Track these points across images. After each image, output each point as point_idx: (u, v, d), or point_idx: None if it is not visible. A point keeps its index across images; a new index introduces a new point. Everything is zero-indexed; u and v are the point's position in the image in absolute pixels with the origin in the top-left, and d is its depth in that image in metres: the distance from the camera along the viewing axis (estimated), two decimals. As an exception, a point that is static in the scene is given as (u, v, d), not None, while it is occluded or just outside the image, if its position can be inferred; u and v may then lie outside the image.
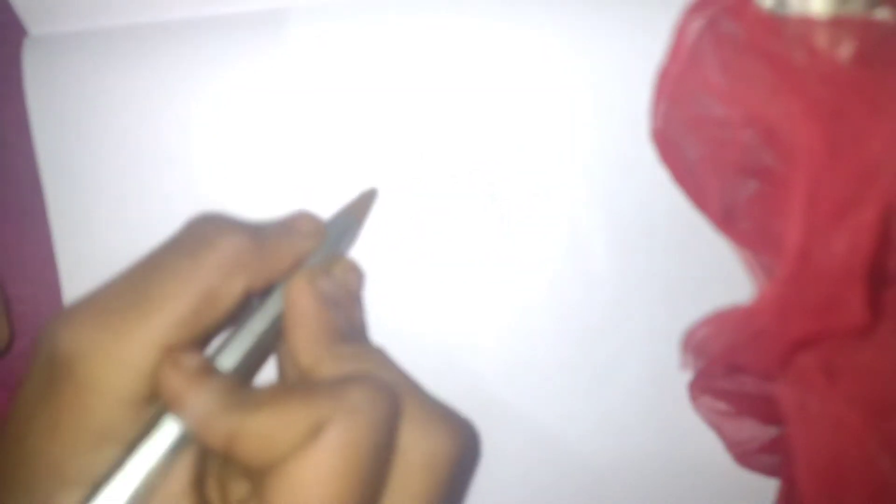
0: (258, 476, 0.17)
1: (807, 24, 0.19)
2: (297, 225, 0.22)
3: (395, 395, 0.19)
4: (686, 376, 0.25)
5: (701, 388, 0.25)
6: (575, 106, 0.26)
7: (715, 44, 0.22)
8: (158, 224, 0.27)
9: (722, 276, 0.25)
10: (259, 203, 0.27)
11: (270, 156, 0.27)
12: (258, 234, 0.20)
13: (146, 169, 0.27)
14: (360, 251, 0.26)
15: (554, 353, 0.26)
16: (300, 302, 0.20)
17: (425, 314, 0.26)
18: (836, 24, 0.19)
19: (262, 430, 0.17)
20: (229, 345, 0.20)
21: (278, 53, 0.26)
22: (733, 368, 0.23)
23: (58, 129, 0.26)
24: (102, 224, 0.27)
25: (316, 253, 0.22)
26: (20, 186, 0.27)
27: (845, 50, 0.19)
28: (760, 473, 0.25)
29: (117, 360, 0.17)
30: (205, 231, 0.20)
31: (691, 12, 0.22)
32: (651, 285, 0.26)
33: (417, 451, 0.18)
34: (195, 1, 0.26)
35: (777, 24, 0.20)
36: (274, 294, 0.21)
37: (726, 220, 0.23)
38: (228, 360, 0.19)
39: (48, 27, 0.27)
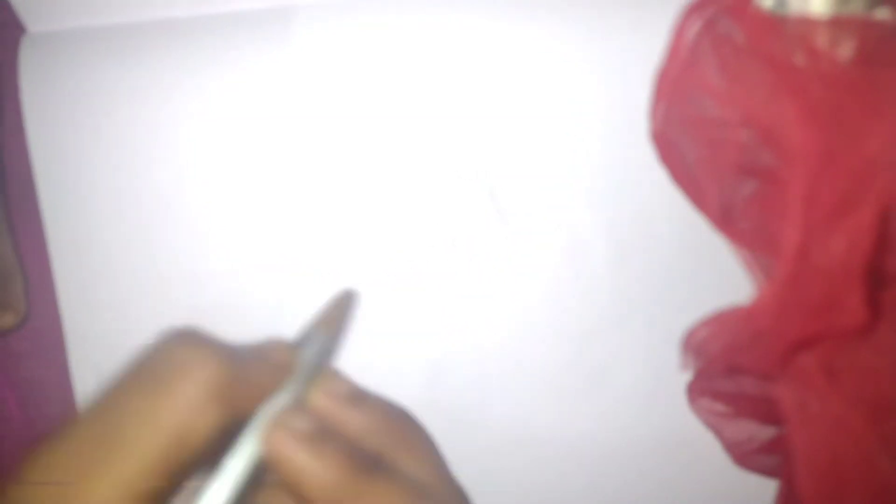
0: None
1: (807, 24, 0.19)
2: (271, 355, 0.20)
3: None
4: (684, 377, 0.25)
5: (700, 389, 0.25)
6: (575, 107, 0.26)
7: (713, 44, 0.22)
8: (152, 221, 0.27)
9: (721, 277, 0.25)
10: (255, 201, 0.27)
11: (267, 154, 0.26)
12: (234, 362, 0.18)
13: (141, 167, 0.26)
14: (363, 245, 0.26)
15: (552, 353, 0.26)
16: (288, 457, 0.18)
17: (425, 315, 0.26)
18: (837, 24, 0.19)
19: None
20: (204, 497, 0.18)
21: (277, 52, 0.26)
22: (733, 369, 0.23)
23: (52, 126, 0.26)
24: (96, 221, 0.27)
25: (287, 386, 0.19)
26: (15, 187, 0.27)
27: (845, 50, 0.19)
28: (759, 474, 0.25)
29: None
30: (177, 357, 0.18)
31: (690, 13, 0.22)
32: (650, 286, 0.26)
33: None
34: None
35: (777, 25, 0.20)
36: (247, 439, 0.19)
37: (725, 220, 0.23)
38: None
39: (47, 25, 0.26)
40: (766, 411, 0.23)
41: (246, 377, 0.18)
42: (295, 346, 0.20)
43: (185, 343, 0.18)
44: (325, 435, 0.19)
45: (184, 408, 0.17)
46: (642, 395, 0.26)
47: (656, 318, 0.26)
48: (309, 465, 0.18)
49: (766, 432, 0.24)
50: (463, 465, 0.26)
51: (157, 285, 0.27)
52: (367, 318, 0.26)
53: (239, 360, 0.19)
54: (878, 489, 0.20)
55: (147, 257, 0.27)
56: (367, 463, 0.19)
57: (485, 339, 0.26)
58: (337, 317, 0.22)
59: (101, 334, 0.27)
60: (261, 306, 0.27)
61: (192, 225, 0.27)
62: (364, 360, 0.26)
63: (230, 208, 0.27)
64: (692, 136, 0.23)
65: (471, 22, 0.26)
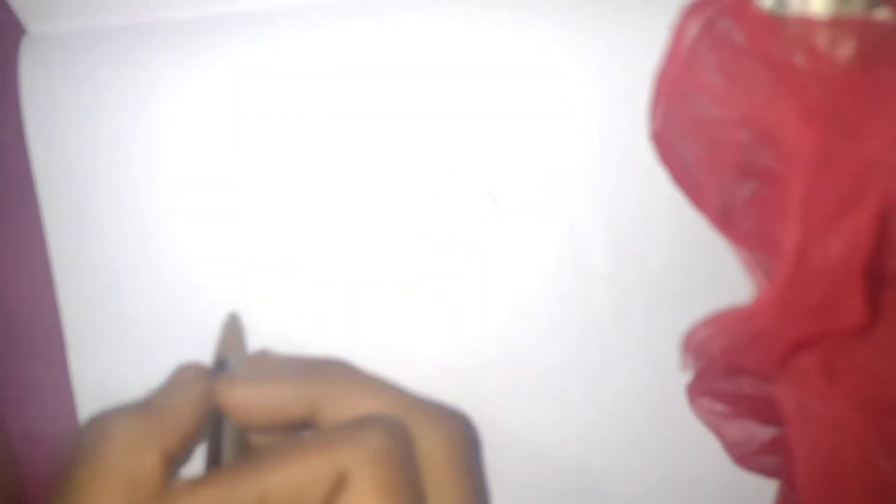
0: None
1: (806, 24, 0.19)
2: (181, 379, 0.23)
3: (400, 425, 0.19)
4: (684, 377, 0.25)
5: (699, 389, 0.25)
6: (574, 106, 0.26)
7: (712, 45, 0.22)
8: (153, 223, 0.27)
9: (721, 277, 0.25)
10: (257, 202, 0.27)
11: (269, 155, 0.26)
12: (146, 406, 0.21)
13: (142, 168, 0.26)
14: (360, 245, 0.26)
15: (550, 353, 0.26)
16: (239, 401, 0.20)
17: (423, 313, 0.26)
18: (836, 24, 0.19)
19: (289, 486, 0.18)
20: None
21: (277, 52, 0.26)
22: (733, 369, 0.23)
23: (52, 127, 0.26)
24: (96, 222, 0.27)
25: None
26: (14, 188, 0.27)
27: (845, 50, 0.19)
28: (760, 474, 0.25)
29: None
30: (95, 432, 0.20)
31: (689, 13, 0.22)
32: (650, 286, 0.26)
33: (438, 448, 0.19)
34: (194, 0, 0.26)
35: (776, 25, 0.20)
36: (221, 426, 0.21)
37: (725, 220, 0.23)
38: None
39: (47, 26, 0.26)
40: (767, 411, 0.23)
41: (160, 410, 0.21)
42: (200, 365, 0.23)
43: (95, 421, 0.20)
44: (264, 374, 0.21)
45: (121, 460, 0.19)
46: (641, 395, 0.26)
47: (655, 319, 0.26)
48: (259, 396, 0.20)
49: (766, 433, 0.24)
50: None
51: (157, 286, 0.27)
52: (363, 319, 0.26)
53: (150, 401, 0.21)
54: (877, 490, 0.20)
55: (147, 258, 0.27)
56: (310, 371, 0.21)
57: (481, 339, 0.26)
58: (231, 337, 0.24)
59: (101, 334, 0.27)
60: (260, 307, 0.27)
61: (194, 226, 0.27)
62: (362, 362, 0.26)
63: (232, 210, 0.27)
64: (692, 137, 0.23)
65: (468, 20, 0.26)
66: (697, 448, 0.26)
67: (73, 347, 0.27)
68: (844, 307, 0.19)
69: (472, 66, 0.26)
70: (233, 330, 0.25)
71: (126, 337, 0.27)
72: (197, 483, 0.19)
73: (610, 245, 0.26)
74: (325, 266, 0.27)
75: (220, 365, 0.23)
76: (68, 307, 0.27)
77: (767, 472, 0.25)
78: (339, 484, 0.18)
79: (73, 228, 0.27)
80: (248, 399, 0.20)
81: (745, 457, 0.25)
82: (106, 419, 0.20)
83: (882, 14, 0.19)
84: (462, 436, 0.20)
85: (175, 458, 0.20)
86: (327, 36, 0.26)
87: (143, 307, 0.27)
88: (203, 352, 0.26)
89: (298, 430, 0.21)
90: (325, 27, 0.26)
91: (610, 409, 0.26)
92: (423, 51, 0.26)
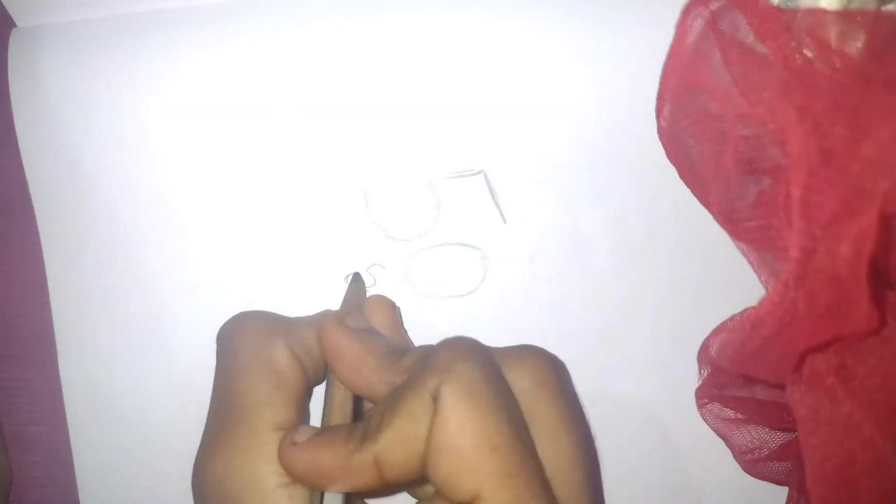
0: (421, 477, 0.19)
1: (816, 17, 0.19)
2: (318, 313, 0.24)
3: (480, 347, 0.20)
4: (692, 380, 0.25)
5: (708, 394, 0.25)
6: (579, 103, 0.25)
7: (718, 39, 0.21)
8: (144, 219, 0.26)
9: (729, 277, 0.25)
10: (251, 199, 0.26)
11: (263, 150, 0.26)
12: (278, 315, 0.23)
13: (133, 163, 0.26)
14: (360, 245, 0.26)
15: (556, 354, 0.26)
16: (335, 341, 0.21)
17: (425, 314, 0.26)
18: (847, 17, 0.19)
19: (397, 439, 0.18)
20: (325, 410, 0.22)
21: (269, 42, 0.26)
22: (746, 378, 0.23)
23: (42, 120, 0.26)
24: (87, 218, 0.26)
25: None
26: (5, 186, 0.27)
27: (855, 44, 0.19)
28: (768, 481, 0.25)
29: (251, 478, 0.20)
30: (230, 330, 0.22)
31: (695, 5, 0.21)
32: (657, 286, 0.25)
33: (524, 378, 0.20)
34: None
35: (785, 18, 0.19)
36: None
37: (730, 218, 0.22)
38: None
39: (36, 19, 0.26)
40: (777, 417, 0.23)
41: (292, 319, 0.22)
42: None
43: (231, 322, 0.22)
44: (375, 332, 0.22)
45: (254, 351, 0.21)
46: (649, 399, 0.26)
47: (663, 320, 0.25)
48: (359, 352, 0.21)
49: (776, 439, 0.24)
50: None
51: (148, 291, 0.26)
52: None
53: (282, 316, 0.23)
54: (889, 491, 0.20)
55: (139, 256, 0.26)
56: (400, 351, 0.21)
57: (486, 341, 0.26)
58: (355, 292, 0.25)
59: (91, 339, 0.26)
60: (257, 308, 0.26)
61: (186, 225, 0.26)
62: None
63: (225, 207, 0.26)
64: (697, 133, 0.23)
65: (471, 17, 0.25)
66: (705, 454, 0.25)
67: (62, 352, 0.27)
68: (853, 310, 0.18)
69: (475, 65, 0.25)
70: (357, 288, 0.25)
71: (116, 342, 0.26)
72: (315, 444, 0.19)
73: (616, 246, 0.25)
74: (321, 267, 0.26)
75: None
76: (60, 309, 0.26)
77: (776, 479, 0.25)
78: (434, 407, 0.18)
79: (65, 225, 0.26)
80: (339, 347, 0.21)
81: (753, 463, 0.25)
82: (238, 317, 0.22)
83: (894, 7, 0.19)
84: (548, 364, 0.21)
85: (302, 362, 0.21)
86: (328, 31, 0.26)
87: (133, 312, 0.26)
88: (193, 356, 0.26)
89: None
90: (325, 22, 0.26)
91: (616, 413, 0.26)
92: (425, 50, 0.26)
